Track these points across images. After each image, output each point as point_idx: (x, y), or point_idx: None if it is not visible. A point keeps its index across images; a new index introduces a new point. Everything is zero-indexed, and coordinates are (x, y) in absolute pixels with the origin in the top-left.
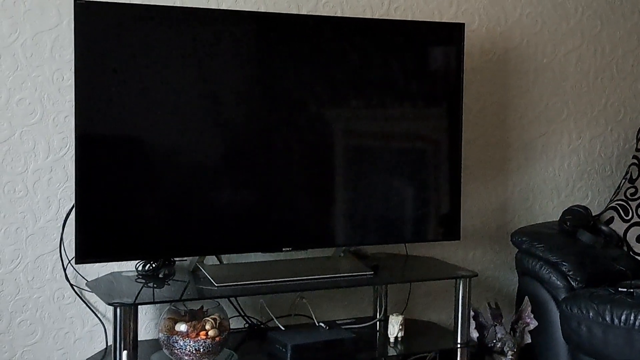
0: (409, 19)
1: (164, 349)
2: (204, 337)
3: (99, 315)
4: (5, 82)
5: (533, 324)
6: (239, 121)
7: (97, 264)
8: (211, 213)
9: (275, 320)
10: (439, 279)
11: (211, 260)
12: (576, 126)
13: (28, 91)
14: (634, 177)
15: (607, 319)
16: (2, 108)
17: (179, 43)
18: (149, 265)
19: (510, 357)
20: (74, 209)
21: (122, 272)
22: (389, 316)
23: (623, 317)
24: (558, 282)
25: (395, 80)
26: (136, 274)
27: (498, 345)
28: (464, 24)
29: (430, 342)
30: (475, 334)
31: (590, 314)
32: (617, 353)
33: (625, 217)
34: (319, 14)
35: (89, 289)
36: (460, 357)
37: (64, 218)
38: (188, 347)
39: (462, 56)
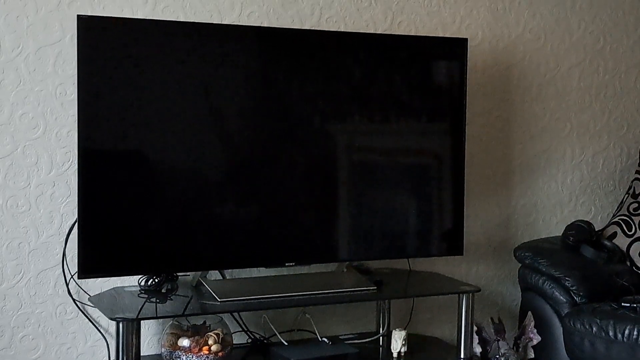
0: (412, 34)
1: None
2: (207, 352)
3: (101, 330)
4: (9, 96)
5: (536, 339)
6: (242, 136)
7: (99, 279)
8: (214, 228)
9: (278, 335)
10: (442, 294)
11: (214, 275)
12: (579, 141)
13: (31, 106)
14: (637, 192)
15: (611, 334)
16: (5, 123)
17: (182, 58)
18: (151, 280)
19: None
20: (76, 224)
21: (124, 287)
22: (392, 331)
23: (626, 333)
24: (561, 297)
25: (399, 95)
26: (139, 288)
27: None
28: (467, 39)
29: (433, 358)
30: (478, 349)
31: (594, 329)
32: None
33: (628, 232)
34: (322, 29)
35: (91, 304)
36: None
37: (66, 233)
38: None
39: (465, 71)
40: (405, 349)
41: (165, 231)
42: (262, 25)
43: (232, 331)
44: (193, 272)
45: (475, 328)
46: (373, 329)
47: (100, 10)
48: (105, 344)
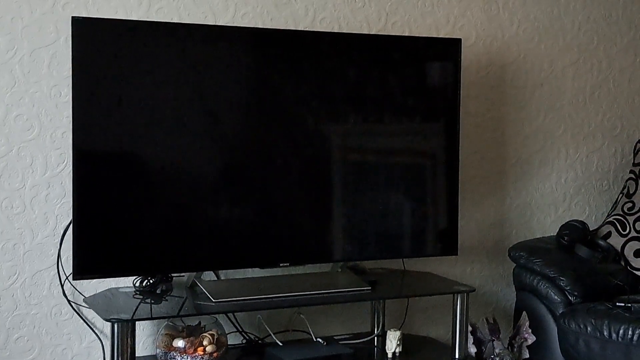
0: (406, 35)
1: None
2: (202, 353)
3: (96, 331)
4: (3, 98)
5: (531, 339)
6: (236, 137)
7: (94, 280)
8: (209, 229)
9: (272, 335)
10: (437, 294)
11: (209, 275)
12: (573, 141)
13: (25, 107)
14: (631, 192)
15: (605, 333)
16: None
17: (177, 59)
18: (146, 281)
19: None
20: (71, 225)
21: (119, 288)
22: (386, 331)
23: (621, 332)
24: (556, 297)
25: (393, 95)
26: (134, 289)
27: None
28: (460, 40)
29: (428, 358)
30: (473, 349)
31: (588, 329)
32: None
33: (623, 232)
34: (316, 30)
35: (86, 305)
36: None
37: (61, 234)
38: None
39: (459, 71)
40: (400, 349)
41: (159, 232)
42: (256, 26)
43: (226, 332)
44: (188, 273)
45: (470, 328)
46: (368, 329)
47: (94, 11)
48: (100, 345)
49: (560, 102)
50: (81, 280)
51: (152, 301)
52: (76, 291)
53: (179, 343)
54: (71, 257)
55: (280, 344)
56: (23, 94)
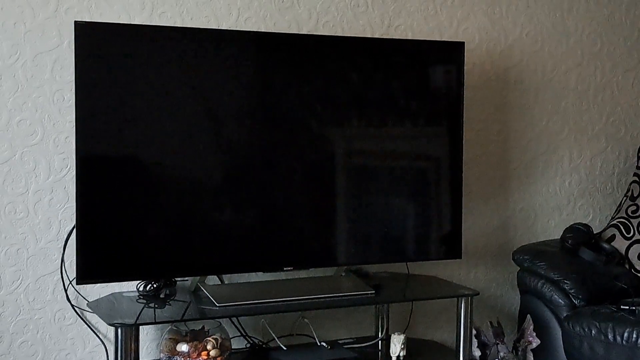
0: (409, 38)
1: None
2: (206, 357)
3: (100, 336)
4: (6, 103)
5: (535, 342)
6: (240, 141)
7: (98, 285)
8: (212, 233)
9: (276, 340)
10: (441, 297)
11: (212, 280)
12: (577, 144)
13: (29, 112)
14: (635, 195)
15: (610, 336)
16: (2, 129)
17: (180, 63)
18: (150, 285)
19: None
20: (74, 230)
21: (123, 292)
22: (390, 335)
23: (625, 335)
24: (560, 300)
25: (396, 99)
26: (137, 294)
27: None
28: (464, 43)
29: None
30: (477, 353)
31: (593, 332)
32: None
33: (627, 235)
34: (320, 34)
35: (90, 310)
36: None
37: (64, 239)
38: None
39: (463, 75)
40: (404, 353)
41: (163, 236)
42: (259, 30)
43: (230, 336)
44: (191, 277)
45: (474, 332)
46: (372, 333)
47: (97, 16)
48: (104, 349)
49: (563, 105)
50: (85, 285)
51: (156, 305)
52: (80, 296)
53: (183, 347)
54: (75, 262)
55: (284, 348)
56: (26, 99)
